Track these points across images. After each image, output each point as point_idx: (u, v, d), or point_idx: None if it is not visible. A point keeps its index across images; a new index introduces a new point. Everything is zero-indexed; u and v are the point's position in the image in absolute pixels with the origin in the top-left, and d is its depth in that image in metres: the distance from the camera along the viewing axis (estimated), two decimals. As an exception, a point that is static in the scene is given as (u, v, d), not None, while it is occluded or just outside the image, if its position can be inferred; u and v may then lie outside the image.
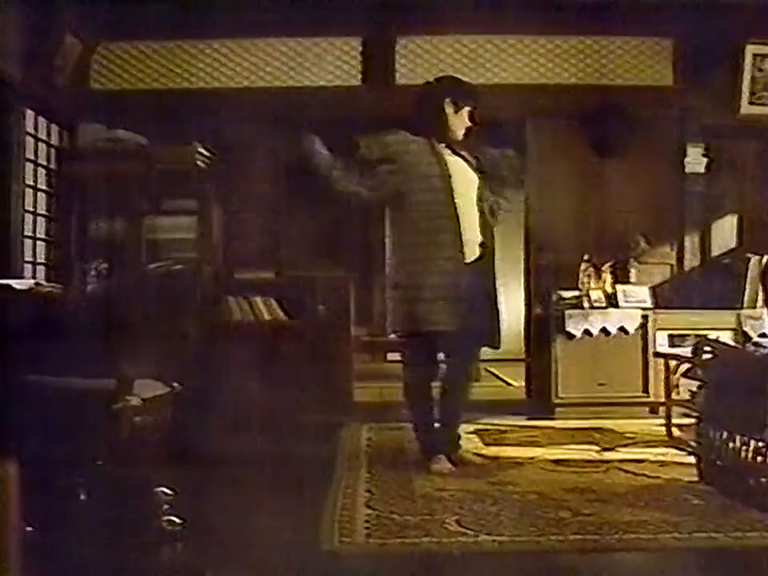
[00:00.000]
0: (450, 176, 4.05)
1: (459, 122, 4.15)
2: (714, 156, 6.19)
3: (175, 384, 3.25)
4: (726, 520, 3.07)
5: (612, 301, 5.71)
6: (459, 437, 4.23)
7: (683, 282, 6.17)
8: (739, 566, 2.76)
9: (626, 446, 4.58)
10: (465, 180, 4.10)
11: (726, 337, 5.16)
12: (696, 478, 3.67)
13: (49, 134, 5.53)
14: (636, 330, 5.62)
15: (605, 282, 5.78)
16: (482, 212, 4.10)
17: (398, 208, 4.15)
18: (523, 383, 6.71)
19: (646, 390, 5.56)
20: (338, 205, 6.60)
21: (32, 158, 5.24)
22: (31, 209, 5.23)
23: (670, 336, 5.60)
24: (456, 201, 4.02)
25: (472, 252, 4.06)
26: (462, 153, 4.17)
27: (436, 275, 3.98)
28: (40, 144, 5.37)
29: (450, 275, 3.98)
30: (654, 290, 5.94)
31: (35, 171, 5.30)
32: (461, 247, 4.01)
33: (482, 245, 4.10)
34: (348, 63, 6.20)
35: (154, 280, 3.13)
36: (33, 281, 4.41)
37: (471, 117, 4.18)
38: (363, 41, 6.20)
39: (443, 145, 4.14)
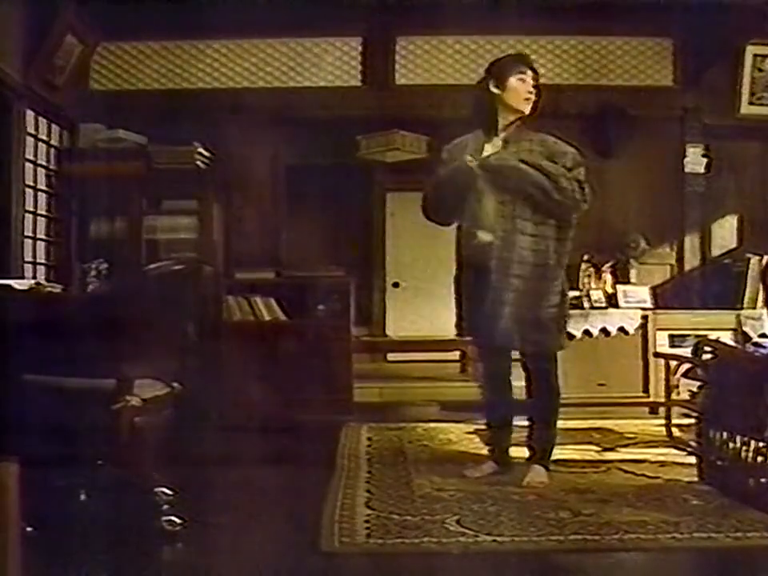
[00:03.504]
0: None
1: None
2: (714, 156, 6.19)
3: (175, 384, 3.26)
4: (725, 520, 3.07)
5: (612, 301, 5.71)
6: None
7: (683, 282, 6.18)
8: (739, 566, 2.75)
9: (626, 446, 4.58)
10: None
11: (726, 337, 5.16)
12: (696, 479, 3.66)
13: (49, 134, 5.53)
14: (636, 330, 5.61)
15: (605, 282, 5.78)
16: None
17: None
18: (523, 383, 6.69)
19: (646, 390, 5.56)
20: (338, 204, 6.64)
21: (32, 158, 5.24)
22: (31, 209, 5.23)
23: (670, 336, 5.60)
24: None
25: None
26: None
27: None
28: (40, 144, 5.37)
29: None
30: (654, 290, 5.94)
31: (35, 171, 5.30)
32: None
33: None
34: (348, 63, 6.21)
35: (153, 280, 3.12)
36: (33, 281, 4.40)
37: None
38: (363, 41, 6.21)
39: None
